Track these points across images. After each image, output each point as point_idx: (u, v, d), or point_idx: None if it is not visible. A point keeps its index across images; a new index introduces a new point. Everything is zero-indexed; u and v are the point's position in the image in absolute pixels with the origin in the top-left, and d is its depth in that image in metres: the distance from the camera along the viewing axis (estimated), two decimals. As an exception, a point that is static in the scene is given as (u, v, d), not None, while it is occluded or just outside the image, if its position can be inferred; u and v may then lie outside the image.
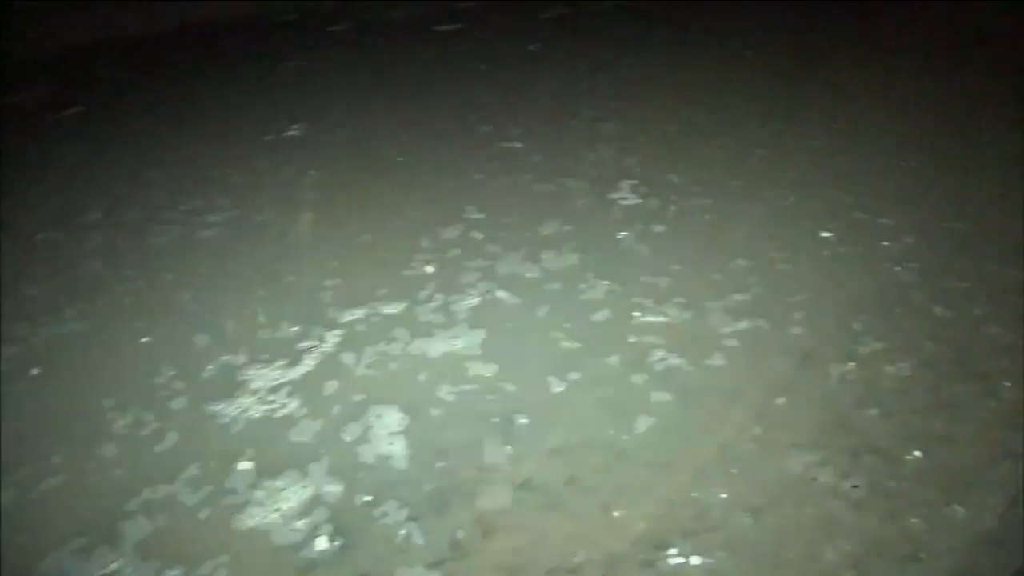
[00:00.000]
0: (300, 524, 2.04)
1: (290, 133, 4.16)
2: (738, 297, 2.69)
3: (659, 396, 2.33)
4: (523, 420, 2.28)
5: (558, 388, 2.40)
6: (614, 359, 2.48)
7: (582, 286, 2.81)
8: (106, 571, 1.96)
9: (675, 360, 2.46)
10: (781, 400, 2.30)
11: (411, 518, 2.02)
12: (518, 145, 3.85)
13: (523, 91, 4.42)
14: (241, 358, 2.61)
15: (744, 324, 2.57)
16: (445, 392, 2.41)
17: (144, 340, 2.72)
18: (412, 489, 2.10)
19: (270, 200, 3.52)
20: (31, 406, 2.48)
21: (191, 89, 4.80)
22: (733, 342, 2.51)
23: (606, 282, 2.81)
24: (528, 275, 2.90)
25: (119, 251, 3.22)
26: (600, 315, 2.67)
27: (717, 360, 2.45)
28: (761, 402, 2.30)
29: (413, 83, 4.64)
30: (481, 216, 3.29)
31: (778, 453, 2.15)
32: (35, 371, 2.62)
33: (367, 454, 2.23)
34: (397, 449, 2.24)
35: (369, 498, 2.10)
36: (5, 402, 2.50)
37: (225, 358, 2.61)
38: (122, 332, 2.76)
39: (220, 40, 5.57)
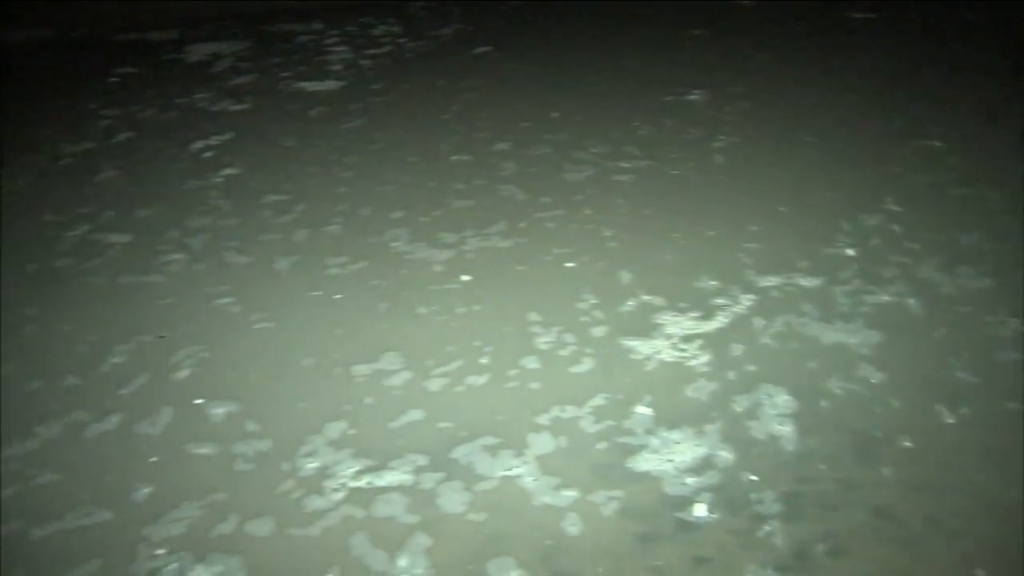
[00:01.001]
0: (690, 481, 2.11)
1: (692, 97, 4.23)
2: None
3: (1058, 459, 2.14)
4: (906, 443, 2.20)
5: (947, 420, 2.29)
6: (1014, 406, 2.32)
7: (990, 319, 2.66)
8: (508, 473, 2.14)
9: (1089, 427, 2.24)
10: None
11: (778, 515, 2.01)
12: (937, 144, 3.70)
13: (941, 89, 4.27)
14: (660, 301, 2.71)
15: None
16: (834, 385, 2.40)
17: (568, 265, 2.88)
18: (789, 482, 2.10)
19: (681, 156, 3.59)
20: (462, 308, 2.73)
21: (594, 43, 5.02)
22: None
23: (1017, 320, 2.63)
24: (942, 288, 2.80)
25: (533, 180, 3.42)
26: (1006, 355, 2.52)
27: None
28: None
29: (819, 67, 4.59)
30: (900, 209, 3.22)
31: None
32: (465, 277, 2.83)
33: (758, 430, 2.26)
34: (786, 433, 2.25)
35: (754, 478, 2.12)
36: (440, 300, 2.73)
37: (645, 298, 2.72)
38: (546, 254, 2.94)
39: (629, 3, 5.77)
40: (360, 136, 4.03)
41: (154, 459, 2.27)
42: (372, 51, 5.12)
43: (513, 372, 2.48)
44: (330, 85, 4.69)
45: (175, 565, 1.97)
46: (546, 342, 2.60)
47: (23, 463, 2.29)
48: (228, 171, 3.77)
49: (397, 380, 2.48)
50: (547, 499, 2.08)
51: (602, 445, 2.23)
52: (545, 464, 2.18)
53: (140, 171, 3.89)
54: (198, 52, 5.35)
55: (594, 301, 2.76)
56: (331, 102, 4.47)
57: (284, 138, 4.07)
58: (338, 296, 2.87)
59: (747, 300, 2.75)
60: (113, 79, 5.04)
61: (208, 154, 3.97)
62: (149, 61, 5.30)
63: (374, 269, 3.00)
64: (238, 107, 4.50)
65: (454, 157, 3.76)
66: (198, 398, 2.46)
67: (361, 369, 2.53)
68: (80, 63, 5.40)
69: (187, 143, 4.11)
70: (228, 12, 5.98)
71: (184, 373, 2.56)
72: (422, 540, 1.98)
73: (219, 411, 2.41)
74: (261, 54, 5.21)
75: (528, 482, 2.13)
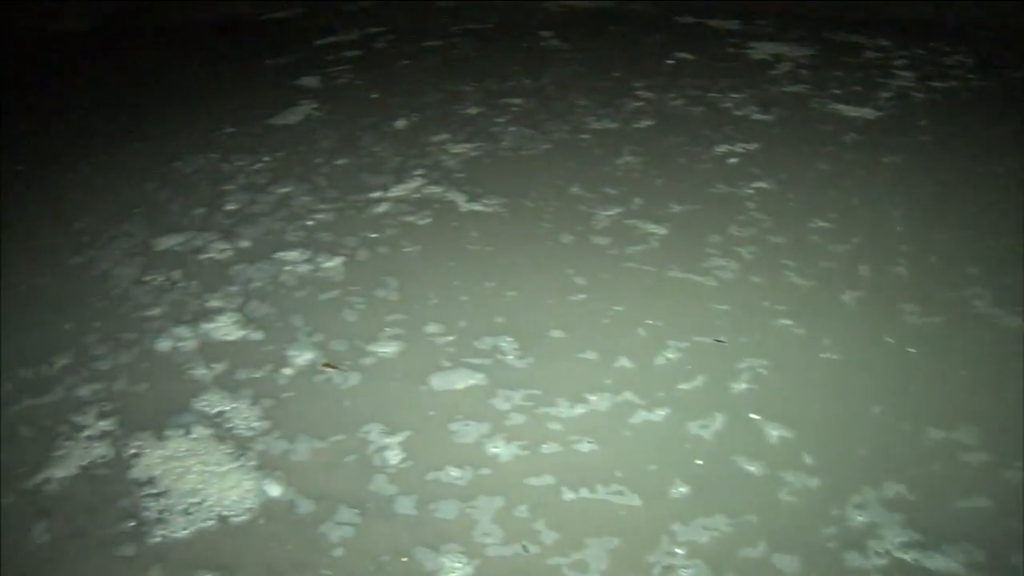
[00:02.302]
0: None
1: None
2: None
3: None
4: None
5: None
6: None
7: None
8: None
9: None
10: None
11: None
12: None
13: None
14: None
15: None
16: None
17: None
18: None
19: None
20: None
21: None
22: None
23: None
24: None
25: None
26: None
27: None
28: None
29: None
30: None
31: None
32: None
33: None
34: None
35: None
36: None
37: None
38: None
39: None
40: (904, 175, 3.94)
41: (699, 462, 2.37)
42: (935, 83, 4.97)
43: None
44: (867, 113, 4.63)
45: (691, 571, 2.07)
46: None
47: (568, 427, 2.50)
48: (759, 184, 3.86)
49: (972, 458, 2.41)
50: None
51: None
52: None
53: (663, 163, 4.07)
54: (762, 50, 5.52)
55: None
56: (867, 131, 4.41)
57: (817, 160, 4.07)
58: (913, 349, 2.82)
59: None
60: (669, 61, 5.33)
61: (733, 160, 4.08)
62: (710, 50, 5.59)
63: (953, 327, 2.93)
64: (763, 117, 4.58)
65: (1016, 219, 3.58)
66: (754, 413, 2.53)
67: (934, 434, 2.48)
68: (643, 38, 5.86)
69: (712, 144, 4.24)
70: (791, 11, 6.17)
71: (742, 385, 2.66)
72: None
73: (774, 432, 2.48)
74: (821, 64, 5.26)
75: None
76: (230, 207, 3.96)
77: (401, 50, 6.03)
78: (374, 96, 5.20)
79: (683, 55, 5.52)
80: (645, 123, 4.55)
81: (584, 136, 4.43)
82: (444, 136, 4.53)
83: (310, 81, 5.52)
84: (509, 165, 4.19)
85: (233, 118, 4.99)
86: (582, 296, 3.10)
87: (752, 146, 4.26)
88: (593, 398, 2.62)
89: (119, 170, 4.47)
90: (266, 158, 4.43)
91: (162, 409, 2.75)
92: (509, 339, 2.89)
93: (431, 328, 2.97)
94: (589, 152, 4.25)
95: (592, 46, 5.81)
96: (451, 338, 2.92)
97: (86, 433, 2.68)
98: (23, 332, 3.20)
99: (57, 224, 3.96)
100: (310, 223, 3.76)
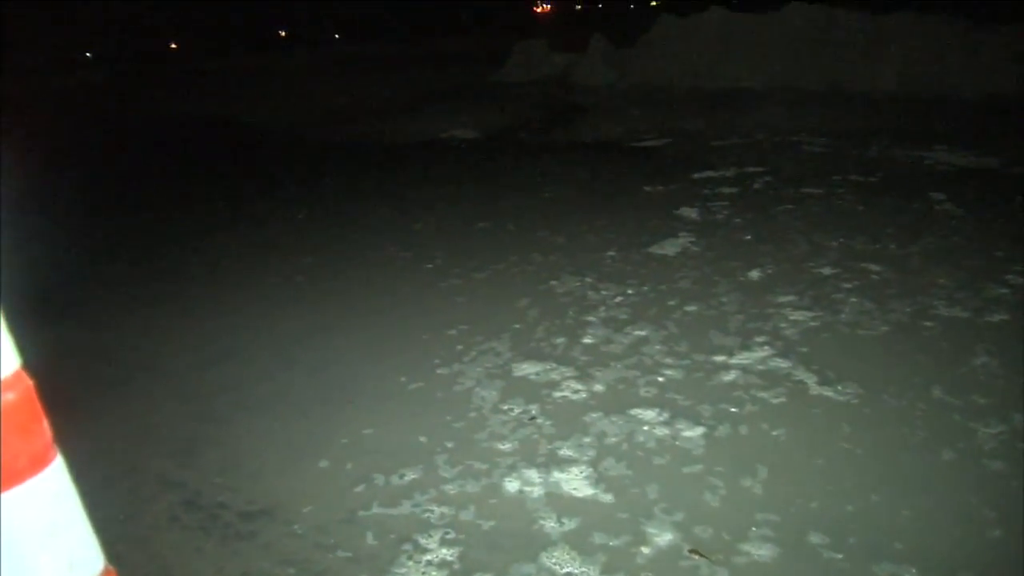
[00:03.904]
0: None
1: None
2: None
3: None
4: None
5: None
6: None
7: None
8: None
9: None
10: None
11: None
12: None
13: None
14: None
15: None
16: None
17: None
18: None
19: None
20: None
21: None
22: None
23: None
24: None
25: None
26: None
27: None
28: None
29: None
30: None
31: None
32: None
33: None
34: None
35: None
36: None
37: None
38: None
39: None
40: None
41: None
42: None
43: None
44: None
45: None
46: None
47: None
48: None
49: None
50: None
51: None
52: None
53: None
54: None
55: None
56: None
57: None
58: None
59: None
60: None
61: None
62: None
63: None
64: None
65: None
66: None
67: None
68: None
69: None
70: None
71: None
72: None
73: None
74: None
75: None
76: (588, 341, 3.95)
77: (780, 193, 6.02)
78: (747, 238, 5.20)
79: None
80: (999, 317, 4.17)
81: (927, 323, 4.13)
82: (788, 298, 4.38)
83: (690, 213, 5.60)
84: (850, 344, 3.93)
85: (618, 242, 5.22)
86: (996, 534, 2.78)
87: None
88: None
89: (507, 283, 4.76)
90: (630, 291, 4.55)
91: (507, 554, 2.62)
92: (913, 570, 2.63)
93: (814, 538, 2.73)
94: (934, 344, 3.91)
95: (988, 216, 5.53)
96: (839, 555, 2.67)
97: (427, 557, 2.61)
98: (381, 431, 3.29)
99: (439, 327, 4.14)
100: (661, 379, 3.64)
